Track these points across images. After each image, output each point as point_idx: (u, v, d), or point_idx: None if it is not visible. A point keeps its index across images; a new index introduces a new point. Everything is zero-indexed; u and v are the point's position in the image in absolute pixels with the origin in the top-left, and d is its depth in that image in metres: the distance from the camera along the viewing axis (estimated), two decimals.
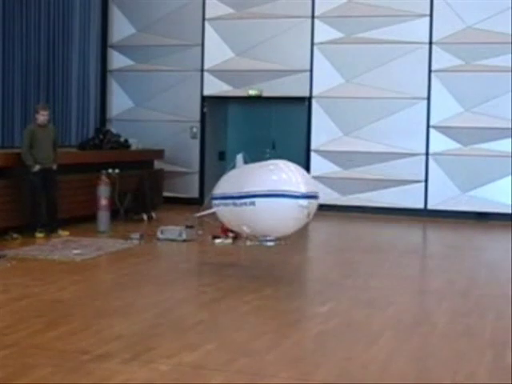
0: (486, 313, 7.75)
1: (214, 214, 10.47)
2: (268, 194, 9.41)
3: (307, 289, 9.48)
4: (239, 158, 10.65)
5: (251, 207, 9.47)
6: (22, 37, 15.32)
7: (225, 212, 10.16)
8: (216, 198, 10.31)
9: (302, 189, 9.30)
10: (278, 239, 9.86)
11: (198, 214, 11.58)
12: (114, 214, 13.37)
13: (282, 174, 9.55)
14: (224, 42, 16.83)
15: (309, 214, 9.40)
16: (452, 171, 15.52)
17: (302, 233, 14.16)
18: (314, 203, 9.48)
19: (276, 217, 9.42)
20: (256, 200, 9.44)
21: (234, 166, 10.64)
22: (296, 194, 9.31)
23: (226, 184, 10.38)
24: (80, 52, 16.94)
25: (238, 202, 9.66)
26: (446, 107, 15.52)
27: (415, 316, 7.75)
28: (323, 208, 16.05)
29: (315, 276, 10.27)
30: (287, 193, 9.28)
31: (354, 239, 13.37)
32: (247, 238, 10.26)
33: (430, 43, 15.67)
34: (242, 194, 9.68)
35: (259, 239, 9.88)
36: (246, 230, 9.75)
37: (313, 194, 9.44)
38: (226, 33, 16.84)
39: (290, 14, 16.36)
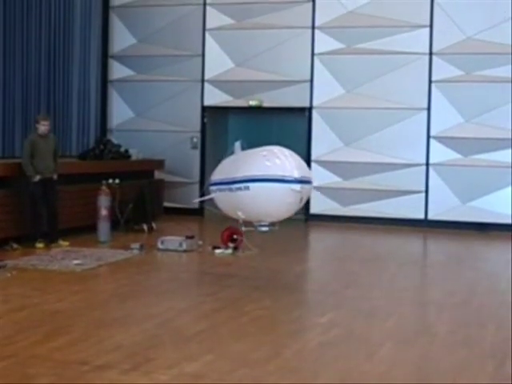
0: (487, 323, 7.75)
1: (212, 200, 10.75)
2: (262, 178, 9.65)
3: (307, 299, 9.47)
4: (237, 145, 10.94)
5: (246, 192, 9.75)
6: (23, 46, 15.33)
7: (221, 197, 10.44)
8: (213, 184, 10.59)
9: (295, 174, 9.56)
10: (271, 224, 10.14)
11: (197, 200, 11.88)
12: (115, 225, 13.38)
13: (276, 159, 9.81)
14: (224, 52, 16.88)
15: (301, 199, 9.61)
16: (452, 181, 15.53)
17: (302, 243, 14.23)
18: (307, 188, 9.74)
19: (269, 201, 9.66)
20: (250, 185, 9.72)
21: (232, 153, 10.90)
22: (289, 178, 9.54)
23: (223, 170, 10.64)
24: (80, 62, 17.00)
25: (233, 187, 9.97)
26: (446, 118, 15.55)
27: (416, 326, 7.75)
28: (324, 218, 16.18)
29: (315, 286, 10.26)
30: (280, 177, 9.51)
31: (354, 249, 13.37)
32: (243, 223, 10.54)
33: (430, 54, 15.71)
34: (237, 179, 9.98)
35: (254, 224, 10.15)
36: (241, 215, 9.98)
37: (306, 178, 9.70)
38: (226, 43, 16.88)
39: (291, 24, 16.40)
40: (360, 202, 16.09)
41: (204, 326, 7.44)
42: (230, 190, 10.09)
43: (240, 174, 9.92)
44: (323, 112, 16.35)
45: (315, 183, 15.98)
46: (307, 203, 16.31)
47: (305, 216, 16.39)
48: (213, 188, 10.66)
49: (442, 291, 9.48)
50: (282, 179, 9.50)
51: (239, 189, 9.86)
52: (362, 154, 16.02)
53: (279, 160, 9.76)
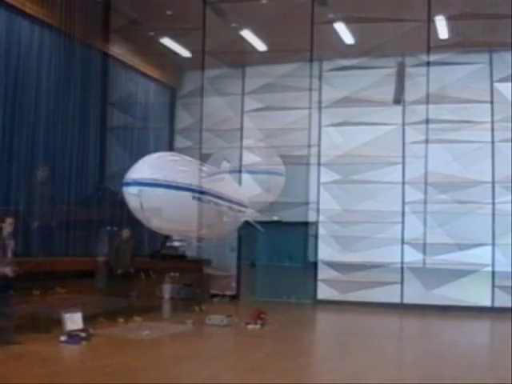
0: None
1: None
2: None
3: (315, 361, 9.25)
4: (224, 163, 10.58)
5: None
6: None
7: None
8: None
9: (133, 175, 8.54)
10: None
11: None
12: (175, 305, 13.28)
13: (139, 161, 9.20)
14: None
15: (141, 204, 8.70)
16: (421, 275, 15.47)
17: (312, 321, 13.98)
18: (147, 191, 8.68)
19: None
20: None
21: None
22: (127, 180, 8.74)
23: None
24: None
25: None
26: (415, 228, 15.53)
27: None
28: (328, 303, 16.02)
29: (321, 352, 10.09)
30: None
31: (351, 326, 13.18)
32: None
33: (403, 183, 15.98)
34: None
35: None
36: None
37: (148, 181, 8.77)
38: None
39: (302, 161, 16.26)
40: (355, 291, 16.07)
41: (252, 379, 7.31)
42: None
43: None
44: (327, 225, 16.52)
45: (321, 277, 16.05)
46: (314, 291, 16.30)
47: (313, 301, 16.30)
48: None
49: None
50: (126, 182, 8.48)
51: None
52: (355, 256, 16.08)
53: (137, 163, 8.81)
